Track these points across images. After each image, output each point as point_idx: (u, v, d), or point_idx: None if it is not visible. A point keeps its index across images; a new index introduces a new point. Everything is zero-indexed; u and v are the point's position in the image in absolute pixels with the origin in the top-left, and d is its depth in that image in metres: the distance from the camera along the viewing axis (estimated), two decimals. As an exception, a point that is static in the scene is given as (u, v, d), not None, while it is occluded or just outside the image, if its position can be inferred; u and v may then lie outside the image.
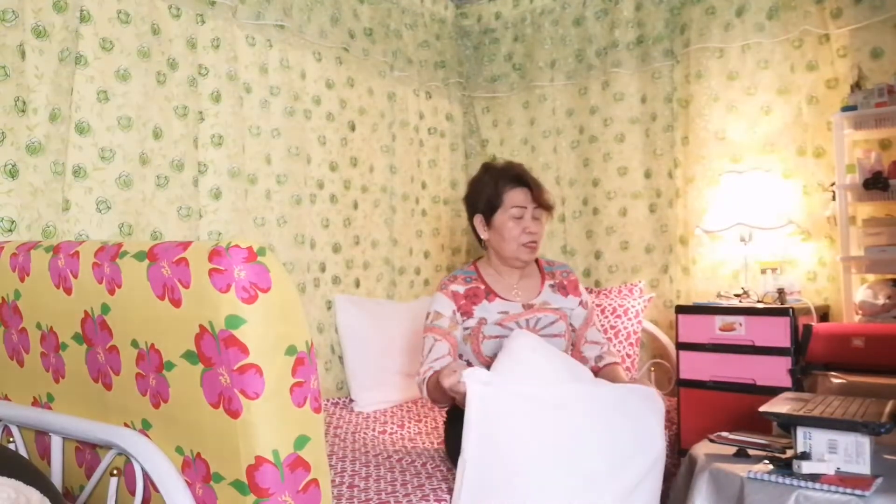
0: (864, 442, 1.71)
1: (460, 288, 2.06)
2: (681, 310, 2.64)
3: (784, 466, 1.77)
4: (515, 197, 2.05)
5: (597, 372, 2.06)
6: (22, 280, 1.32)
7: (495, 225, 2.07)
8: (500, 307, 2.03)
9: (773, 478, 1.72)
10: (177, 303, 1.04)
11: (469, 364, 2.02)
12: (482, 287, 2.07)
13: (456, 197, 3.57)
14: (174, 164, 2.25)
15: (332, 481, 1.75)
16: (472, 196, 2.15)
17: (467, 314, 2.02)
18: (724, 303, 2.63)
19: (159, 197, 2.21)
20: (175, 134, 2.25)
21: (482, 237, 2.14)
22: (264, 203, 2.57)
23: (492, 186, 2.08)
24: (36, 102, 1.89)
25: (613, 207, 3.23)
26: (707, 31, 2.94)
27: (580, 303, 2.14)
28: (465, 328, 2.04)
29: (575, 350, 2.13)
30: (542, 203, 2.06)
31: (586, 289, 2.64)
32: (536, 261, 2.21)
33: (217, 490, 1.06)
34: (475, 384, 1.63)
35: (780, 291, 2.57)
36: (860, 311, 2.48)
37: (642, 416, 1.72)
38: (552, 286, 2.13)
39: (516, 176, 2.07)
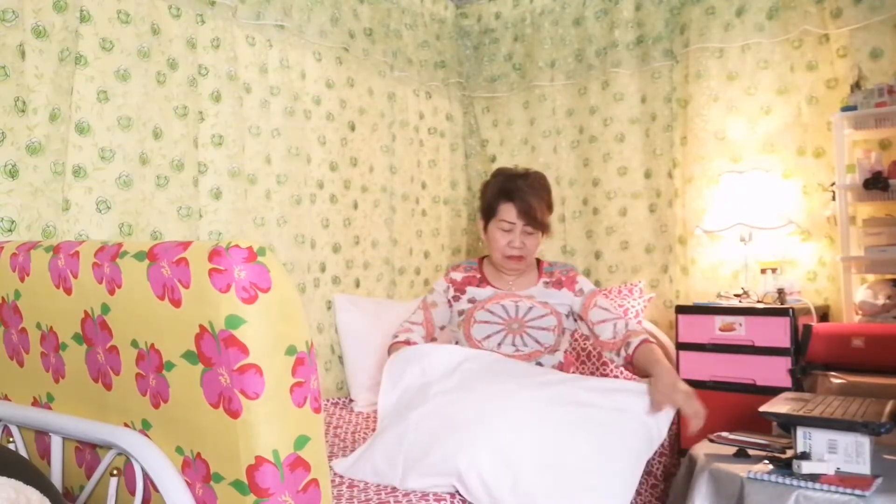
0: (864, 442, 1.71)
1: (459, 276, 2.26)
2: (681, 310, 2.64)
3: (784, 466, 1.78)
4: (506, 212, 2.14)
5: (630, 360, 2.01)
6: (22, 280, 1.32)
7: (488, 231, 2.21)
8: (490, 293, 2.20)
9: (773, 478, 1.72)
10: (177, 303, 1.04)
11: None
12: (478, 276, 2.25)
13: (456, 197, 3.58)
14: (174, 164, 2.25)
15: (332, 481, 1.75)
16: (480, 198, 2.31)
17: (459, 290, 2.22)
18: (724, 303, 2.63)
19: (159, 197, 2.21)
20: (175, 134, 2.25)
21: (482, 238, 2.29)
22: (264, 203, 2.57)
23: (490, 196, 2.20)
24: (36, 102, 1.89)
25: (613, 207, 3.23)
26: (707, 31, 2.94)
27: (576, 293, 2.20)
28: (460, 313, 2.21)
29: (595, 340, 2.15)
30: (531, 222, 2.11)
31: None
32: (539, 262, 2.30)
33: (217, 490, 1.06)
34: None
35: (780, 291, 2.57)
36: (860, 311, 2.48)
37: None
38: (546, 283, 2.23)
39: (510, 191, 2.14)
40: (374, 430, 2.38)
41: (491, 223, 2.18)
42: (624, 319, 2.13)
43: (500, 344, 2.14)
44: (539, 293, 2.21)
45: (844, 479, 1.66)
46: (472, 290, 2.23)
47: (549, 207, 2.19)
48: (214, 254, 1.00)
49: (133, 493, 1.16)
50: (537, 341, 2.14)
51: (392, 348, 2.12)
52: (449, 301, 2.24)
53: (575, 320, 2.22)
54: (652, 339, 2.05)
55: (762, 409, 1.88)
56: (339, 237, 2.90)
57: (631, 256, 3.19)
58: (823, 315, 2.65)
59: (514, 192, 2.12)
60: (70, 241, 1.35)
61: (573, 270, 2.26)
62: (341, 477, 1.81)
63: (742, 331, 2.48)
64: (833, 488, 1.63)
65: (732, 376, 2.48)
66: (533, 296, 2.20)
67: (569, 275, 2.24)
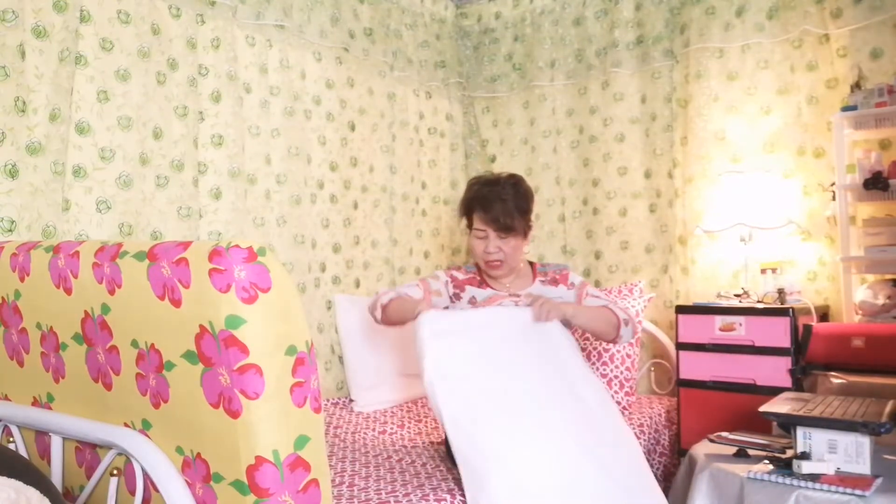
0: (864, 442, 1.71)
1: (460, 275, 2.29)
2: (681, 310, 2.64)
3: (784, 466, 1.78)
4: (477, 220, 2.20)
5: None
6: (22, 280, 1.32)
7: (470, 238, 2.25)
8: (489, 293, 2.23)
9: (773, 478, 1.72)
10: (177, 303, 1.04)
11: None
12: (478, 279, 2.28)
13: (456, 197, 3.57)
14: (174, 164, 2.25)
15: (332, 481, 1.75)
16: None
17: (459, 288, 2.24)
18: (724, 303, 2.63)
19: (159, 197, 2.21)
20: (175, 134, 2.25)
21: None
22: (264, 203, 2.57)
23: (464, 206, 2.25)
24: (36, 102, 1.89)
25: (613, 207, 3.23)
26: (707, 31, 2.94)
27: (569, 286, 2.25)
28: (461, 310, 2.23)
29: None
30: (500, 228, 2.16)
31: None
32: (532, 265, 2.35)
33: (217, 490, 1.06)
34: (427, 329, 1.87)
35: (780, 291, 2.57)
36: (860, 311, 2.48)
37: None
38: (542, 282, 2.28)
39: (478, 200, 2.20)
40: (373, 429, 2.39)
41: (471, 231, 2.25)
42: (613, 303, 2.18)
43: None
44: (537, 290, 2.23)
45: (844, 479, 1.66)
46: (471, 290, 2.26)
47: (525, 210, 2.21)
48: (214, 254, 1.00)
49: (133, 493, 1.16)
50: None
51: (395, 302, 2.11)
52: (451, 297, 2.26)
53: None
54: (612, 308, 2.15)
55: (762, 409, 1.88)
56: (339, 237, 2.90)
57: (631, 256, 3.19)
58: (823, 315, 2.65)
59: (482, 201, 2.19)
60: (70, 241, 1.35)
61: (566, 269, 2.33)
62: (341, 476, 1.81)
63: (742, 331, 2.48)
64: (833, 488, 1.63)
65: (732, 376, 2.48)
66: (532, 293, 2.21)
67: (562, 273, 2.31)
